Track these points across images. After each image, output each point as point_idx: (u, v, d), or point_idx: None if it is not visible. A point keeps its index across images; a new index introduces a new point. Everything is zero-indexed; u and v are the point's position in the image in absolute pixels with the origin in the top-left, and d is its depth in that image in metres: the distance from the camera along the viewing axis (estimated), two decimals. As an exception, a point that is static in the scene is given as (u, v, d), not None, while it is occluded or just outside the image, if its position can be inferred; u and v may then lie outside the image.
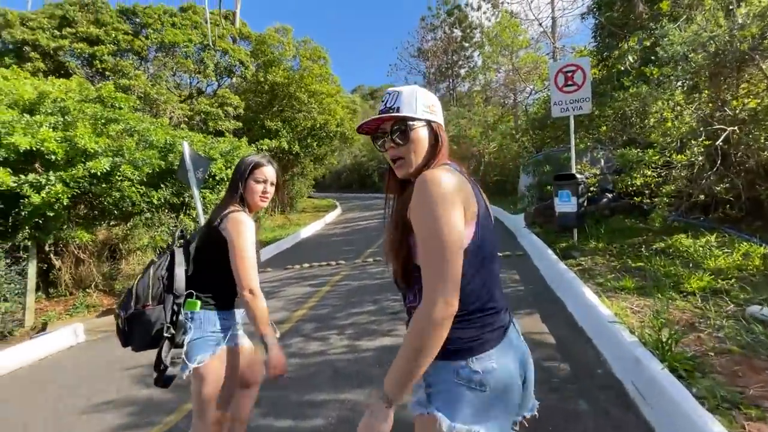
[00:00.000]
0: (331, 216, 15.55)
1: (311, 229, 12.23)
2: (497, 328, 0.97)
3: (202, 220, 7.71)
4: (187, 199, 9.20)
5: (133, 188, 7.35)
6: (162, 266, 1.57)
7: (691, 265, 4.55)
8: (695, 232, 5.16)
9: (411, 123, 0.98)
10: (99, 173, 6.48)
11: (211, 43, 10.54)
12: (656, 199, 4.42)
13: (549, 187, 6.49)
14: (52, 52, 9.41)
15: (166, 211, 9.27)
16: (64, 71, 9.27)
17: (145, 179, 7.74)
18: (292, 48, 13.94)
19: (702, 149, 4.31)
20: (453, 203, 0.86)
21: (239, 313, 1.70)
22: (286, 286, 5.76)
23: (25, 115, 5.85)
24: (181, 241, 1.67)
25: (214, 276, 1.58)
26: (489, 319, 0.96)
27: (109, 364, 3.77)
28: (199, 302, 1.55)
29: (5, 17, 9.34)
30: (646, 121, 6.34)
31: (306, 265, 7.10)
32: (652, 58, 5.30)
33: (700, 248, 4.84)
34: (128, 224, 8.48)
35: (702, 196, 4.26)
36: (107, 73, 9.60)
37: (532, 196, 7.73)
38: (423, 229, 0.86)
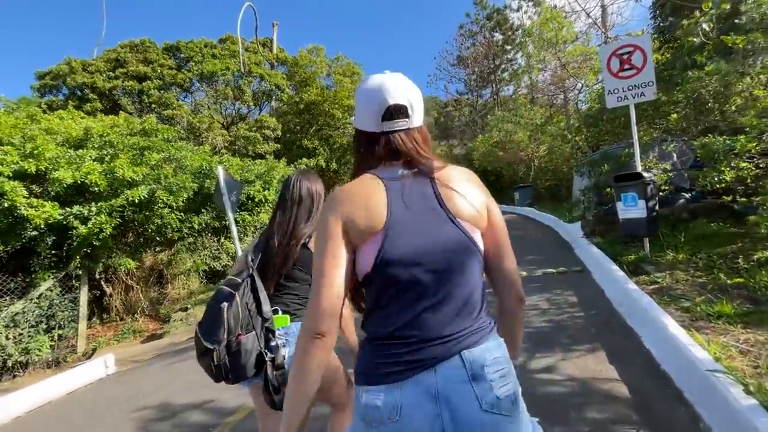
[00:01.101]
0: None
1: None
2: (404, 362, 0.79)
3: (238, 243, 7.69)
4: (227, 223, 9.33)
5: (172, 215, 7.52)
6: (246, 293, 1.49)
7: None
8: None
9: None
10: (137, 200, 6.68)
11: (242, 69, 10.90)
12: (758, 198, 3.45)
13: (609, 190, 5.56)
14: (107, 92, 10.25)
15: (209, 235, 9.48)
16: (119, 108, 10.01)
17: (183, 205, 7.93)
18: (325, 66, 14.08)
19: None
20: (328, 224, 0.82)
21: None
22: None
23: (69, 150, 6.16)
24: (253, 264, 1.58)
25: (302, 290, 1.58)
26: (393, 349, 0.80)
27: (129, 400, 3.59)
28: (288, 316, 1.54)
29: (70, 65, 10.41)
30: (728, 104, 5.24)
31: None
32: (735, 22, 4.32)
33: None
34: (172, 250, 8.74)
35: None
36: (153, 105, 10.23)
37: (589, 200, 6.76)
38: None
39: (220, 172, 7.50)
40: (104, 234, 6.41)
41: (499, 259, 0.90)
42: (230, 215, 7.58)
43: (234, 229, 7.61)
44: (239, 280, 1.50)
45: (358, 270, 0.83)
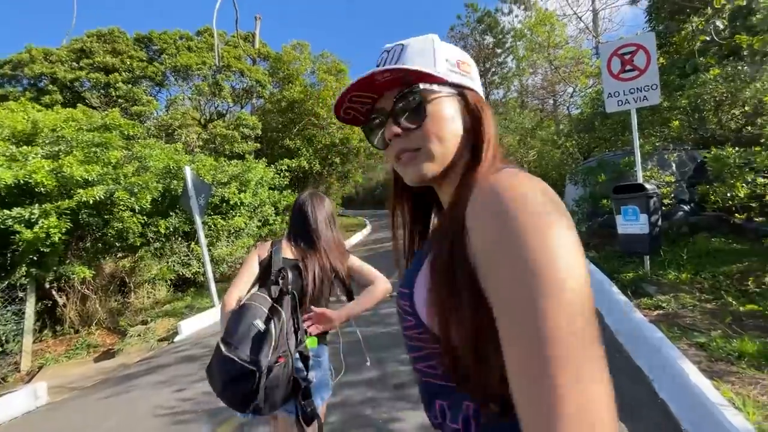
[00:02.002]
0: (359, 236, 14.69)
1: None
2: None
3: (205, 249, 7.09)
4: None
5: (134, 218, 6.88)
6: (287, 313, 1.35)
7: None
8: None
9: (428, 87, 0.56)
10: (92, 202, 6.04)
11: (218, 63, 10.26)
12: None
13: (605, 201, 5.16)
14: (69, 84, 9.52)
15: (179, 239, 8.83)
16: (83, 102, 9.29)
17: (149, 207, 7.29)
18: (310, 63, 13.52)
19: None
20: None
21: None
22: (282, 331, 4.85)
23: (10, 146, 5.50)
24: (282, 280, 1.41)
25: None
26: None
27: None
28: (316, 338, 1.49)
29: (30, 53, 9.63)
30: (735, 111, 4.89)
31: (314, 300, 6.17)
32: (750, 23, 3.95)
33: None
34: (135, 256, 8.07)
35: None
36: (120, 100, 9.54)
37: (583, 212, 6.37)
38: (523, 285, 0.38)
39: (188, 173, 6.90)
40: (53, 239, 5.75)
41: None
42: (198, 219, 7.00)
43: (202, 234, 7.03)
44: (268, 298, 1.34)
45: None
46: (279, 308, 1.34)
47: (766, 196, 3.30)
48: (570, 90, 15.00)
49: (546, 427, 0.34)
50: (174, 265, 8.48)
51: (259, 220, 10.44)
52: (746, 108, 4.39)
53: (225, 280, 9.71)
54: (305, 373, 1.34)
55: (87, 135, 6.25)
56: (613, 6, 19.08)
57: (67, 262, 6.81)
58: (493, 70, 30.41)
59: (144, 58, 10.60)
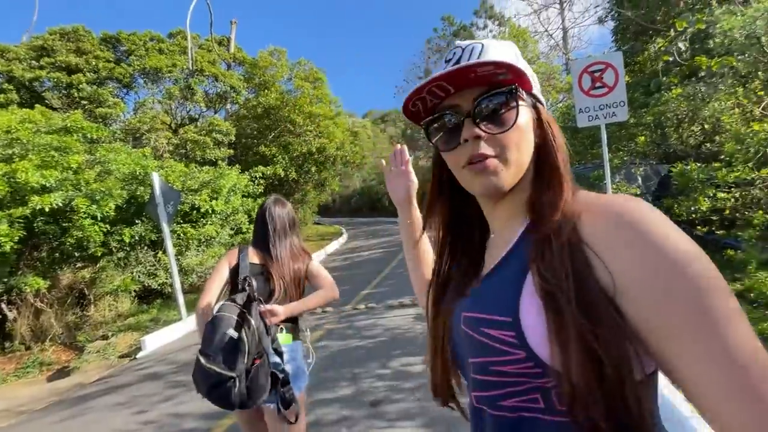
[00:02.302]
0: (335, 245, 14.52)
1: (309, 261, 11.20)
2: None
3: (173, 259, 6.78)
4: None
5: (95, 226, 6.50)
6: (257, 318, 1.46)
7: (793, 319, 3.28)
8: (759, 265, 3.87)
9: (521, 92, 0.54)
10: (49, 210, 5.66)
11: (191, 66, 9.96)
12: (744, 233, 3.20)
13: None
14: (27, 83, 8.96)
15: (145, 248, 8.42)
16: (42, 103, 8.77)
17: (113, 215, 6.91)
18: (286, 70, 13.38)
19: (795, 160, 3.11)
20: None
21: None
22: (254, 346, 4.66)
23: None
24: (249, 287, 1.54)
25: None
26: None
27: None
28: (290, 335, 1.62)
29: (-16, 50, 9.02)
30: (695, 128, 5.16)
31: (287, 312, 5.99)
32: (708, 46, 4.19)
33: (798, 293, 3.56)
34: (97, 266, 7.62)
35: None
36: (84, 102, 9.06)
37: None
38: (716, 293, 0.40)
39: (156, 179, 6.60)
40: (4, 248, 5.35)
41: None
42: (165, 228, 6.69)
43: (169, 243, 6.72)
44: (237, 307, 1.45)
45: None
46: (248, 315, 1.44)
47: (725, 210, 3.46)
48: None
49: (754, 377, 0.37)
50: (139, 276, 8.06)
51: (232, 229, 10.12)
52: (705, 126, 4.63)
53: (194, 291, 9.30)
54: (281, 365, 1.47)
55: (45, 138, 5.88)
56: (582, 25, 19.96)
57: (20, 273, 6.35)
58: (469, 82, 31.23)
59: (111, 59, 10.12)
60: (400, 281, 7.31)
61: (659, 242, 0.42)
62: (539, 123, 0.59)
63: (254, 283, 1.54)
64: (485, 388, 0.54)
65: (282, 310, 1.55)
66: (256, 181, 11.14)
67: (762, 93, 4.28)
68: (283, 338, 1.59)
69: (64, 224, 6.42)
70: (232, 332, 1.39)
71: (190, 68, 9.98)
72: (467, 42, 0.59)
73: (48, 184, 5.60)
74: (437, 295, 0.67)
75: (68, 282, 7.45)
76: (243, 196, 10.65)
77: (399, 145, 0.98)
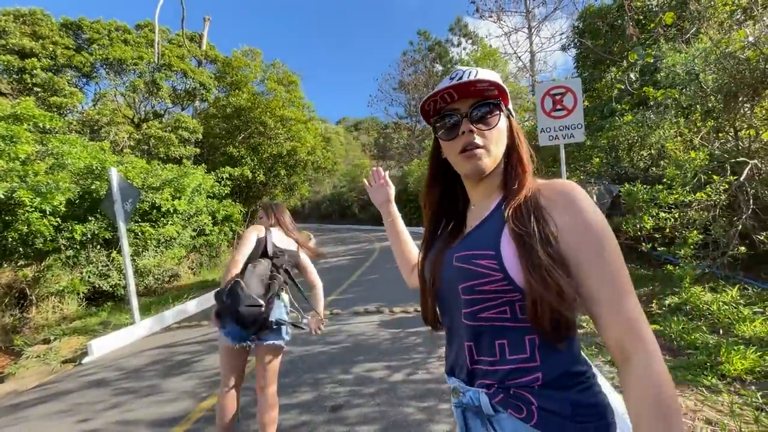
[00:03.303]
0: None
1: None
2: None
3: (128, 260, 6.44)
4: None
5: (44, 221, 6.08)
6: (282, 275, 2.20)
7: (720, 330, 3.61)
8: (711, 281, 4.25)
9: (502, 104, 0.81)
10: (-9, 203, 5.25)
11: (156, 60, 9.60)
12: (681, 250, 3.49)
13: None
14: (-28, 65, 8.28)
15: (97, 247, 7.94)
16: (-11, 87, 8.13)
17: (64, 210, 6.49)
18: (260, 71, 13.19)
19: (725, 186, 3.46)
20: None
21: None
22: (211, 351, 4.51)
23: None
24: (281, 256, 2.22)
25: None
26: None
27: None
28: (287, 295, 2.28)
29: (-76, 26, 8.19)
30: (644, 152, 5.59)
31: (249, 317, 5.84)
32: (655, 79, 4.59)
33: (725, 306, 3.91)
34: (42, 264, 7.10)
35: (742, 247, 3.36)
36: (37, 89, 8.47)
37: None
38: (612, 247, 0.68)
39: (114, 175, 6.28)
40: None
41: None
42: (122, 226, 6.36)
43: (125, 242, 6.39)
44: (272, 264, 2.14)
45: None
46: (278, 274, 2.13)
47: (666, 229, 3.77)
48: (509, 121, 16.21)
49: (629, 301, 0.65)
50: (89, 276, 7.59)
51: (194, 230, 9.76)
52: (652, 151, 5.03)
53: (150, 294, 8.86)
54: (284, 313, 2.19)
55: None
56: (548, 50, 20.99)
57: (-49, 269, 5.81)
58: (441, 96, 32.04)
59: (71, 46, 9.52)
60: (367, 288, 7.32)
61: (584, 209, 0.68)
62: (510, 129, 0.84)
63: (278, 252, 2.17)
64: (470, 305, 0.75)
65: (322, 313, 2.34)
66: (223, 182, 10.83)
67: (700, 124, 4.71)
68: (286, 298, 2.22)
69: (6, 218, 5.97)
70: (265, 279, 2.07)
71: (156, 61, 9.60)
72: (466, 67, 0.81)
73: (-9, 174, 5.20)
74: (427, 252, 0.90)
75: (7, 280, 6.88)
76: (208, 196, 10.31)
77: (375, 168, 1.28)
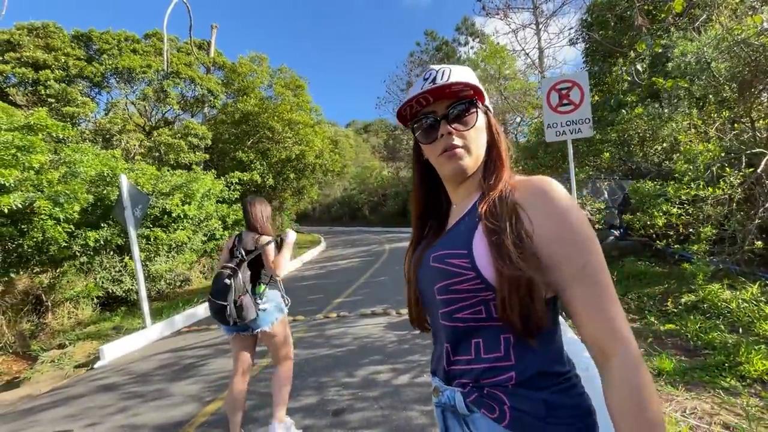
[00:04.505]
0: (312, 253, 14.35)
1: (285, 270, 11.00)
2: None
3: (139, 265, 6.54)
4: (137, 240, 8.04)
5: (58, 228, 6.22)
6: (244, 271, 2.36)
7: (740, 329, 3.45)
8: (728, 278, 4.07)
9: (477, 103, 0.78)
10: (8, 211, 5.39)
11: (165, 68, 9.76)
12: (694, 246, 3.36)
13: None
14: (-11, 78, 8.55)
15: (111, 253, 8.10)
16: (5, 100, 8.36)
17: (78, 217, 6.64)
18: (267, 76, 13.30)
19: (740, 179, 3.31)
20: None
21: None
22: (218, 355, 4.52)
23: None
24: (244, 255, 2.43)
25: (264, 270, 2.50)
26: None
27: None
28: (264, 286, 2.47)
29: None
30: (655, 145, 5.41)
31: (257, 321, 5.85)
32: (666, 69, 4.44)
33: (745, 304, 3.74)
34: (57, 270, 7.26)
35: (759, 242, 3.20)
36: (51, 100, 8.71)
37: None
38: (588, 241, 0.66)
39: (124, 181, 6.39)
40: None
41: None
42: (132, 232, 6.46)
43: (136, 248, 6.48)
44: (234, 265, 2.33)
45: None
46: (237, 270, 2.30)
47: (679, 227, 3.63)
48: (518, 119, 15.99)
49: (616, 311, 0.63)
50: (103, 282, 7.73)
51: (205, 235, 9.87)
52: (664, 144, 4.86)
53: (163, 299, 8.99)
54: (260, 303, 2.36)
55: (5, 135, 5.63)
56: (556, 46, 20.67)
57: (-30, 277, 5.99)
58: (450, 96, 31.86)
59: (82, 57, 9.76)
60: (374, 290, 7.28)
61: (560, 205, 0.66)
62: (489, 125, 0.82)
63: (241, 250, 2.41)
64: (446, 305, 0.73)
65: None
66: (232, 187, 10.94)
67: (715, 115, 4.54)
68: (261, 288, 2.42)
69: (22, 226, 6.12)
70: (227, 280, 2.26)
71: (165, 69, 9.76)
72: (439, 66, 0.80)
73: (7, 184, 5.33)
74: (412, 254, 0.90)
75: (24, 287, 7.06)
76: (218, 201, 10.43)
77: None
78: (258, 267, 2.42)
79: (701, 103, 4.42)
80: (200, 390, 3.55)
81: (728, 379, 2.69)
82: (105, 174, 7.24)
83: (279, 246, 2.46)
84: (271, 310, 2.41)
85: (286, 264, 2.39)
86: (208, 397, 3.37)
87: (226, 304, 2.21)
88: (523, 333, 0.66)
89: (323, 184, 21.98)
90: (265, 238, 2.44)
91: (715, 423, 2.13)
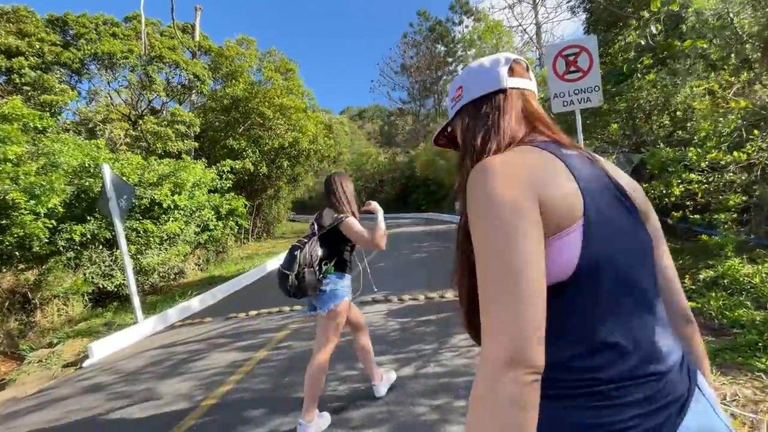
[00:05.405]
0: (309, 242, 14.12)
1: (282, 259, 10.77)
2: (654, 410, 0.56)
3: (127, 258, 6.26)
4: (127, 233, 7.74)
5: (37, 223, 5.91)
6: (313, 246, 2.29)
7: (766, 305, 3.22)
8: (747, 251, 3.84)
9: (447, 129, 0.87)
10: (-18, 207, 5.08)
11: (144, 51, 9.26)
12: (721, 215, 3.10)
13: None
14: (-43, 67, 8.08)
15: (99, 247, 7.80)
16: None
17: (59, 211, 6.32)
18: (256, 60, 12.80)
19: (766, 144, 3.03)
20: (509, 199, 0.57)
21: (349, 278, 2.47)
22: (211, 349, 4.28)
23: None
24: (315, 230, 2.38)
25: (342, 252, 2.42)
26: (637, 393, 0.57)
27: None
28: (332, 267, 2.35)
29: None
30: (664, 118, 5.12)
31: (253, 312, 5.62)
32: (680, 30, 4.10)
33: (770, 278, 3.51)
34: (42, 267, 6.98)
35: None
36: (26, 88, 8.26)
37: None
38: (474, 242, 0.60)
39: (106, 171, 6.05)
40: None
41: (662, 263, 0.76)
42: (118, 224, 6.15)
43: (123, 240, 6.18)
44: (306, 240, 2.35)
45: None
46: (306, 243, 2.29)
47: (697, 195, 3.37)
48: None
49: (489, 320, 0.54)
50: (92, 277, 7.46)
51: (198, 225, 9.57)
52: (677, 112, 4.57)
53: (157, 292, 8.75)
54: (322, 284, 2.30)
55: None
56: (554, 20, 20.17)
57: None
58: (445, 78, 31.26)
59: (58, 42, 9.24)
60: (374, 276, 7.04)
61: (472, 196, 0.61)
62: (469, 113, 0.80)
63: (316, 227, 2.38)
64: None
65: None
66: (224, 176, 10.59)
67: (732, 78, 4.24)
68: (328, 269, 2.33)
69: (1, 222, 5.81)
70: (295, 252, 2.27)
71: (144, 52, 9.28)
72: (450, 85, 0.85)
73: (-22, 177, 5.01)
74: None
75: (8, 285, 6.79)
76: (210, 191, 10.10)
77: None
78: (334, 246, 2.34)
79: (719, 67, 4.11)
80: (191, 388, 3.31)
81: (763, 360, 2.46)
82: (88, 165, 6.89)
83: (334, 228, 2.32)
84: (329, 295, 2.33)
85: (382, 233, 2.31)
86: (198, 396, 3.14)
87: (289, 273, 2.21)
88: (477, 342, 0.68)
89: (319, 172, 21.61)
90: (342, 216, 2.33)
91: (761, 411, 1.89)
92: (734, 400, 2.02)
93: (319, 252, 2.28)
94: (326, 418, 2.45)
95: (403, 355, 3.34)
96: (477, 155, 0.71)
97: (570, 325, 0.59)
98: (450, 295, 4.91)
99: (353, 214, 2.38)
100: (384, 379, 2.74)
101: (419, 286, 5.66)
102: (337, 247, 2.35)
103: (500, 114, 0.73)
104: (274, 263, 10.22)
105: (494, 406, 0.48)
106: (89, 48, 9.05)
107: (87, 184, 6.43)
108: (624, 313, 0.60)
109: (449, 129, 0.85)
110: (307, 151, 13.76)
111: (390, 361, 3.24)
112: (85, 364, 4.81)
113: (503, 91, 0.75)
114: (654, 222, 0.76)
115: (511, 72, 0.77)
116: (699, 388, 0.62)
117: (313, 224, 2.42)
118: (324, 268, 2.30)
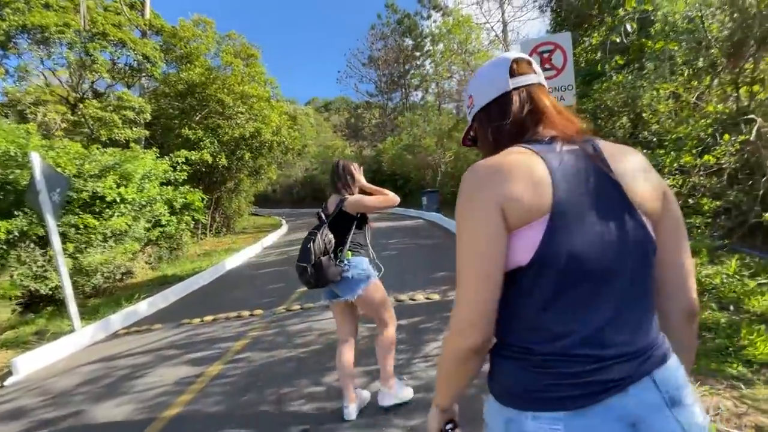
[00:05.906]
0: (273, 237, 13.54)
1: (243, 256, 10.21)
2: (592, 383, 0.66)
3: (61, 258, 5.57)
4: (64, 229, 6.94)
5: (-50, 220, 5.11)
6: (324, 234, 2.28)
7: (731, 307, 3.29)
8: (708, 253, 3.94)
9: (471, 132, 0.94)
10: None
11: (83, 25, 8.31)
12: (691, 220, 3.10)
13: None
14: None
15: (31, 246, 6.94)
16: None
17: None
18: (214, 43, 11.98)
19: (736, 147, 3.06)
20: (477, 200, 0.70)
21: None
22: (159, 363, 3.84)
23: None
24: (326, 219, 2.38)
25: (359, 237, 2.48)
26: (572, 367, 0.67)
27: None
28: (350, 252, 2.36)
29: None
30: (623, 119, 5.20)
31: (209, 318, 5.17)
32: (648, 32, 4.12)
33: (730, 280, 3.60)
34: (-41, 269, 6.10)
35: (766, 214, 2.99)
36: (-63, 63, 7.16)
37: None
38: (460, 234, 0.74)
39: (36, 161, 5.32)
40: None
41: (675, 258, 0.76)
42: (50, 220, 5.44)
43: (56, 238, 5.49)
44: (316, 231, 2.31)
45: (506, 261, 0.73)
46: (317, 233, 2.28)
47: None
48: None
49: (455, 296, 0.72)
50: (22, 279, 6.63)
51: (149, 221, 8.82)
52: (643, 114, 4.62)
53: (100, 294, 7.97)
54: (342, 267, 2.29)
55: None
56: (520, 20, 20.50)
57: None
58: (413, 72, 31.20)
59: (-23, 13, 8.08)
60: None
61: (458, 196, 0.74)
62: (482, 119, 0.89)
63: (326, 213, 2.39)
64: None
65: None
66: (179, 167, 9.83)
67: (696, 83, 4.32)
68: (346, 254, 2.32)
69: None
70: (308, 245, 2.24)
71: (84, 27, 8.33)
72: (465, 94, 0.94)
73: None
74: None
75: None
76: (162, 183, 9.33)
77: None
78: (345, 230, 2.35)
79: (692, 68, 4.17)
80: (131, 412, 2.90)
81: (734, 366, 2.46)
82: (14, 153, 6.07)
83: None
84: (356, 279, 2.30)
85: (386, 191, 2.44)
86: (139, 421, 2.74)
87: (306, 265, 2.21)
88: None
89: (283, 165, 20.81)
90: (343, 198, 2.36)
91: (746, 426, 1.84)
92: (717, 414, 1.96)
93: (332, 238, 2.29)
94: (408, 390, 2.55)
95: (373, 366, 3.10)
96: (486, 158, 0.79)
97: (519, 304, 0.70)
98: (421, 297, 4.74)
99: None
100: (357, 398, 2.52)
101: (388, 287, 5.45)
102: (349, 230, 2.36)
103: (503, 117, 0.79)
104: (234, 261, 9.65)
105: (444, 358, 0.76)
106: (16, 19, 7.95)
107: (12, 176, 5.63)
108: (571, 303, 0.67)
109: (472, 132, 0.92)
110: (270, 142, 13.11)
111: (359, 374, 3.00)
112: (7, 382, 4.18)
113: (506, 94, 0.80)
114: (671, 220, 0.75)
115: (513, 72, 0.81)
116: (654, 382, 0.67)
117: (319, 214, 2.42)
118: (340, 255, 2.31)
